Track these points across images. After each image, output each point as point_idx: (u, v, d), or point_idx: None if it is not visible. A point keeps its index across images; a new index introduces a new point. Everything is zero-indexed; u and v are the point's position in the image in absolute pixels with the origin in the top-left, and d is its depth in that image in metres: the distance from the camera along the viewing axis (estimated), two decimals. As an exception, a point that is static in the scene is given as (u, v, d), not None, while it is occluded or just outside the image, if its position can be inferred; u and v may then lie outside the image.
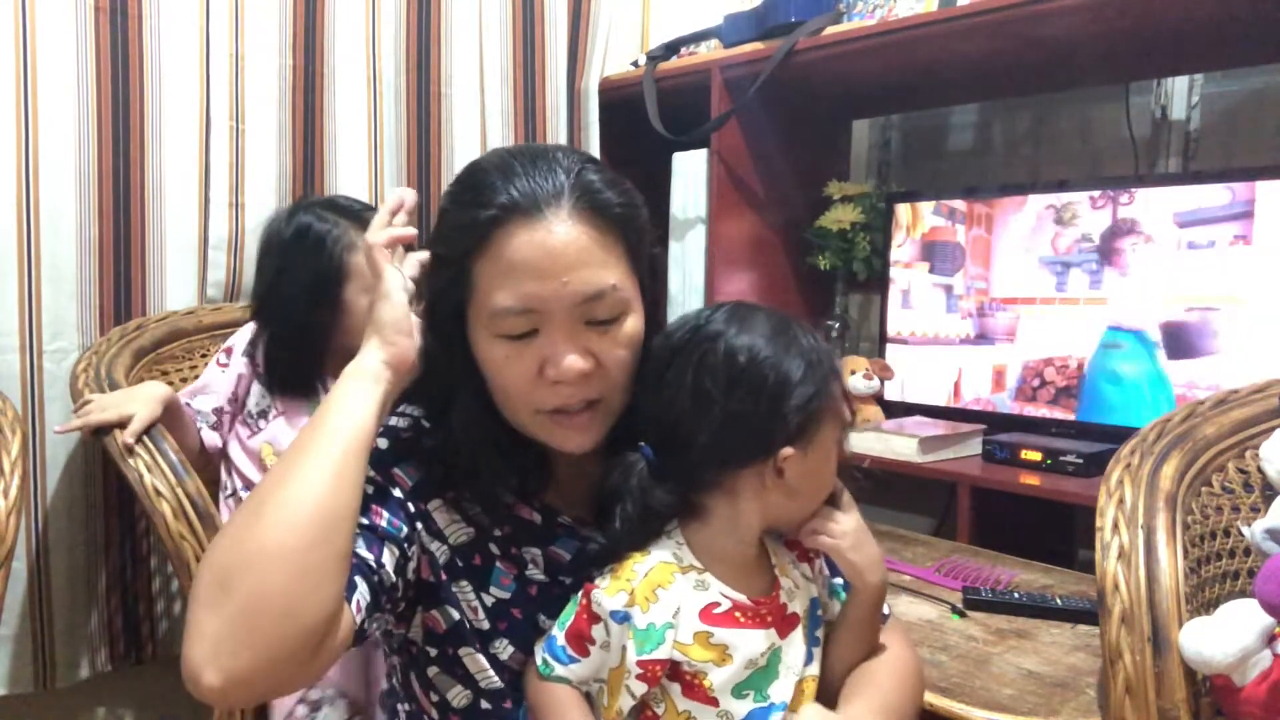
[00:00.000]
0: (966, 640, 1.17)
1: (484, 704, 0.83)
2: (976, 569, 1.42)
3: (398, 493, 0.80)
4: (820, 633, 0.83)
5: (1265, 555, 0.89)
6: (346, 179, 1.83)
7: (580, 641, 0.76)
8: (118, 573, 1.61)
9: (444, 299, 0.79)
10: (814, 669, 0.81)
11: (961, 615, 1.25)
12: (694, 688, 0.75)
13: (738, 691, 0.76)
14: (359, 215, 1.41)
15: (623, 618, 0.74)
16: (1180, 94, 1.74)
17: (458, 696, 0.83)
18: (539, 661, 0.78)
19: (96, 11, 1.54)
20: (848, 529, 0.79)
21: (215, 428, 1.42)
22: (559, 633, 0.78)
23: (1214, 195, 1.51)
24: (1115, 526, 0.89)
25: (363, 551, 0.74)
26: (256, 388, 1.44)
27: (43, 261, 1.50)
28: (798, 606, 0.80)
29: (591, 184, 0.77)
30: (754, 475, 0.75)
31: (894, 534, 1.65)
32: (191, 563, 1.23)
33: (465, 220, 0.76)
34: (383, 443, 0.83)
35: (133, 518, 1.62)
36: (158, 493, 1.25)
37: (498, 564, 0.83)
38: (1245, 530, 0.95)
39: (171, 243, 1.64)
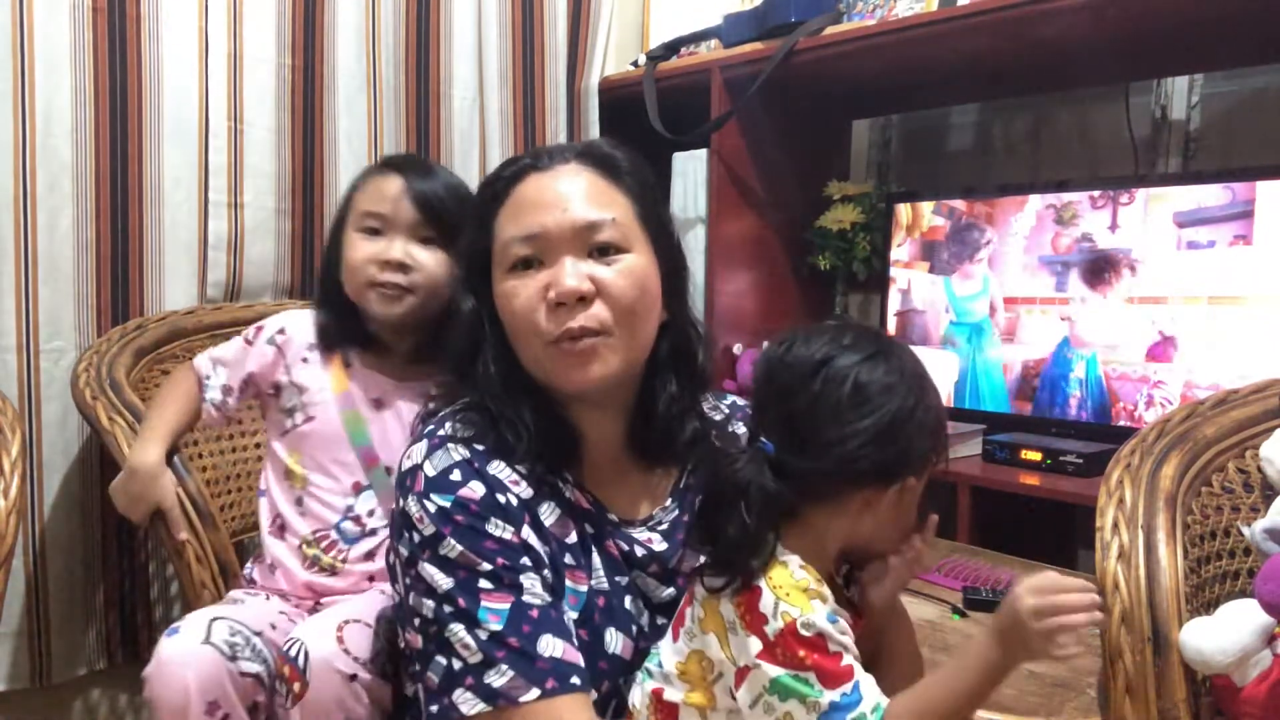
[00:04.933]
0: (966, 640, 1.17)
1: None
2: (976, 569, 1.42)
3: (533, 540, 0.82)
4: None
5: (1265, 555, 0.89)
6: (346, 179, 1.82)
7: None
8: (116, 571, 1.60)
9: (473, 252, 0.88)
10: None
11: (961, 615, 1.25)
12: None
13: None
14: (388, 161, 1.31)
15: (833, 618, 0.74)
16: (1180, 94, 1.74)
17: None
18: None
19: (94, 11, 1.54)
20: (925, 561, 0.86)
21: (219, 407, 1.34)
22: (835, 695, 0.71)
23: (1214, 195, 1.51)
24: (1115, 526, 0.89)
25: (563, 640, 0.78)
26: (288, 380, 1.32)
27: (40, 261, 1.50)
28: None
29: (598, 145, 0.89)
30: (864, 497, 0.77)
31: (894, 534, 1.65)
32: (192, 561, 1.23)
33: (490, 181, 0.89)
34: (508, 498, 0.82)
35: (132, 517, 1.62)
36: (157, 492, 1.24)
37: (568, 581, 0.84)
38: (1245, 530, 0.95)
39: (171, 243, 1.63)
